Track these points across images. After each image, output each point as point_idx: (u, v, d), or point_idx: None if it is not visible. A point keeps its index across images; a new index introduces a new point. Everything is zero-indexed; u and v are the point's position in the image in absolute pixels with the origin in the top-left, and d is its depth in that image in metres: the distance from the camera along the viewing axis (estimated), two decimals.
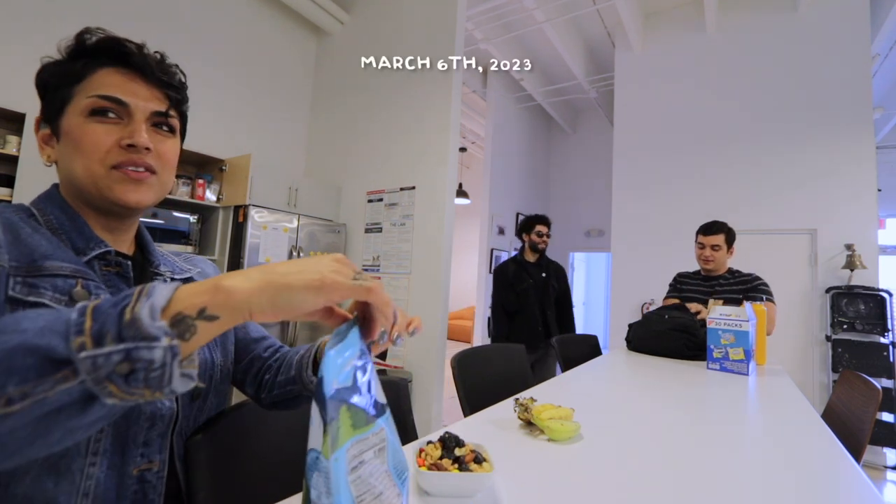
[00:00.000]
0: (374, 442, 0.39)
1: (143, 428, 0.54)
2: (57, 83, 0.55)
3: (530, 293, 2.63)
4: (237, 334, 0.74)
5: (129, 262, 0.60)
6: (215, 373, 0.65)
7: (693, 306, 1.89)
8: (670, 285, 2.30)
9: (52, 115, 0.56)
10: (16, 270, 0.48)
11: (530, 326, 2.58)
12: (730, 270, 2.10)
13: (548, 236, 2.71)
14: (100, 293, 0.53)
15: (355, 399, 0.39)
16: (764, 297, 1.89)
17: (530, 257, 2.73)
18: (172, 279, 0.65)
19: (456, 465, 0.55)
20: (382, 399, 0.43)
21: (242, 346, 0.73)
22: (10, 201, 2.02)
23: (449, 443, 0.58)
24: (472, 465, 0.55)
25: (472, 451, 0.58)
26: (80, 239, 0.55)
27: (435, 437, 0.62)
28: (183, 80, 0.62)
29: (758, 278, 2.00)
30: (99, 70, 0.55)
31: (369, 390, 0.41)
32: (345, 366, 0.39)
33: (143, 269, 0.64)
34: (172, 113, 0.60)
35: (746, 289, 1.97)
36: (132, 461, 0.53)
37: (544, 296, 2.66)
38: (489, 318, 2.85)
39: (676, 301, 2.16)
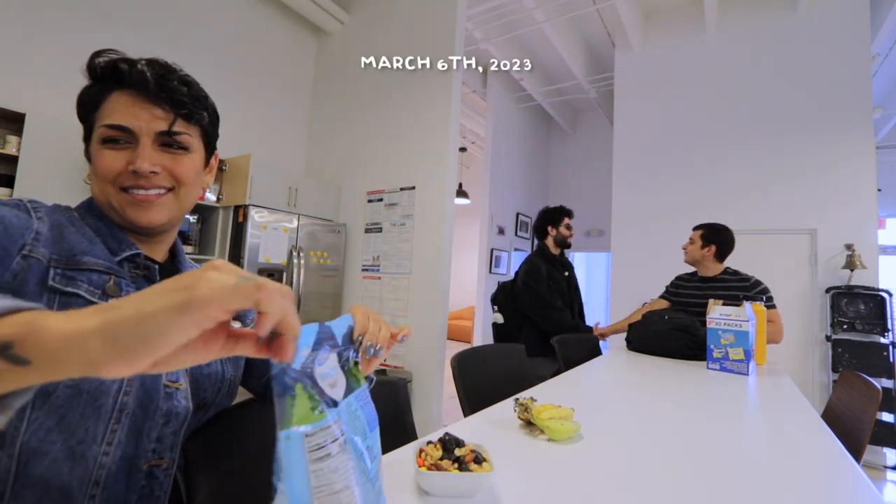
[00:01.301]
0: (335, 434, 0.36)
1: (157, 424, 0.55)
2: (84, 112, 0.59)
3: (565, 292, 2.44)
4: None
5: (157, 267, 0.61)
6: (223, 386, 0.64)
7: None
8: (666, 287, 2.30)
9: (86, 141, 0.60)
10: (56, 263, 0.51)
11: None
12: (726, 271, 2.09)
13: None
14: (129, 291, 0.56)
15: (314, 383, 0.36)
16: (763, 298, 1.89)
17: (554, 252, 2.49)
18: None
19: (456, 466, 0.55)
20: (339, 398, 0.39)
21: (263, 361, 0.72)
22: None
23: (449, 444, 0.58)
24: (472, 466, 0.55)
25: (472, 452, 0.58)
26: (113, 241, 0.58)
27: (435, 437, 0.62)
28: (192, 90, 0.60)
29: (758, 283, 1.98)
30: (110, 95, 0.57)
31: (325, 383, 0.38)
32: (302, 350, 0.36)
33: (170, 275, 0.64)
34: (179, 129, 0.58)
35: (747, 295, 1.94)
36: (143, 455, 0.54)
37: (573, 293, 2.50)
38: (525, 319, 2.40)
39: (666, 304, 2.17)
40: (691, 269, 2.23)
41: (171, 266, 0.67)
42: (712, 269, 2.10)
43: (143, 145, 0.56)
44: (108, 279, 0.54)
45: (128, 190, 0.57)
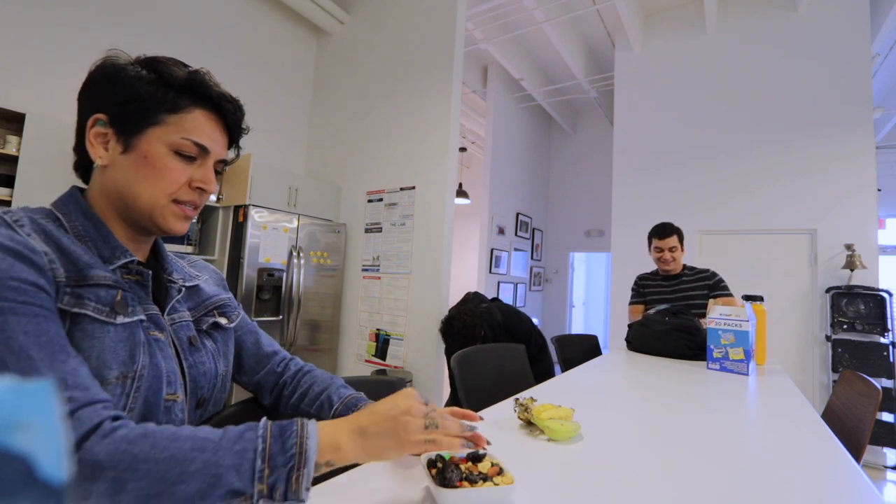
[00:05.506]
0: None
1: None
2: (150, 103, 0.57)
3: None
4: (250, 348, 0.75)
5: (150, 272, 0.61)
6: (217, 381, 0.66)
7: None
8: (633, 289, 2.31)
9: (125, 126, 0.57)
10: (67, 280, 0.49)
11: None
12: (686, 267, 2.16)
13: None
14: (135, 306, 0.55)
15: None
16: (724, 287, 2.04)
17: None
18: (184, 287, 0.68)
19: (479, 479, 0.52)
20: None
21: (255, 360, 0.75)
22: (9, 202, 2.03)
23: (474, 460, 0.56)
24: (497, 479, 0.53)
25: (494, 465, 0.55)
26: (105, 248, 0.57)
27: (446, 453, 0.57)
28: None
29: (715, 274, 2.09)
30: (193, 110, 0.59)
31: None
32: None
33: (156, 274, 0.65)
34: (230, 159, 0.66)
35: (710, 285, 2.05)
36: None
37: None
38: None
39: (642, 308, 2.17)
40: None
41: (156, 264, 0.67)
42: (679, 266, 2.17)
43: (208, 167, 0.62)
44: (115, 294, 0.53)
45: (179, 202, 0.60)
